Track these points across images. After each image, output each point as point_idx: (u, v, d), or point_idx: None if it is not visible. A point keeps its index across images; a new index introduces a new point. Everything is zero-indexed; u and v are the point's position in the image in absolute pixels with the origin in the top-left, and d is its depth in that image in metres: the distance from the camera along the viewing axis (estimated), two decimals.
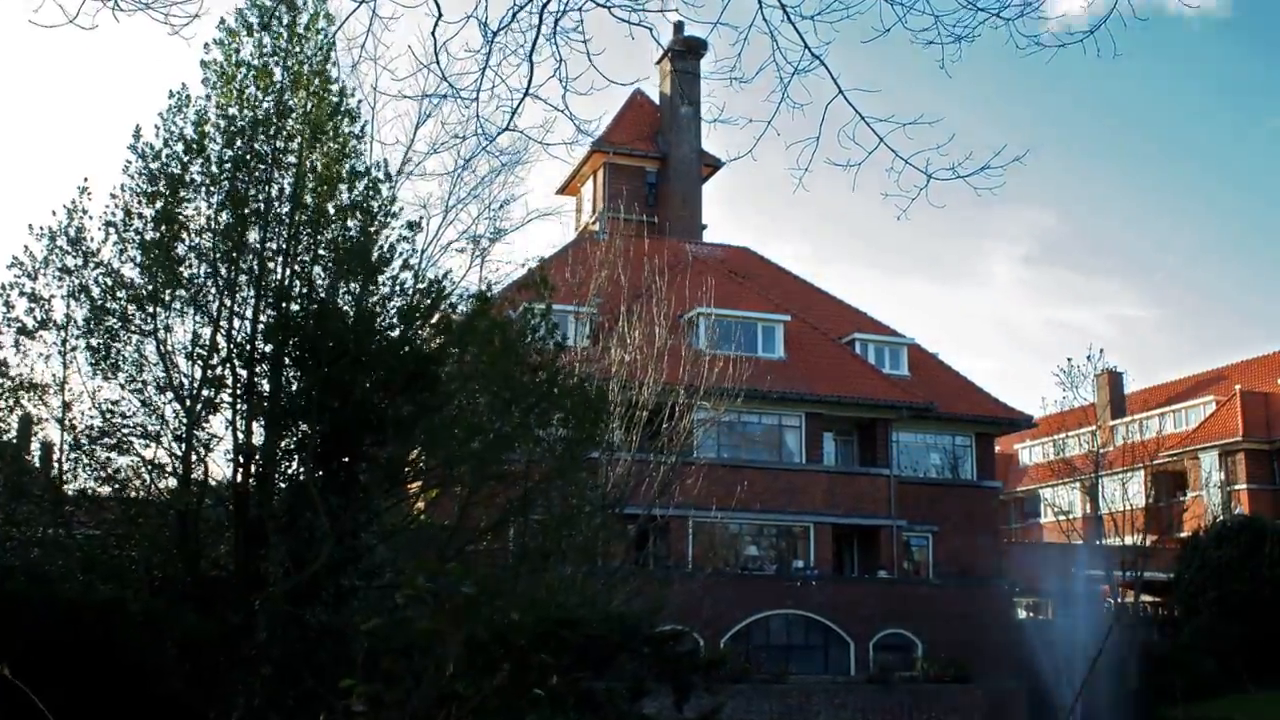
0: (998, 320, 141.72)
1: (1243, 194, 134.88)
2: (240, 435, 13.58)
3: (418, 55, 8.16)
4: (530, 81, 8.18)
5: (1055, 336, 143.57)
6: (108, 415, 13.66)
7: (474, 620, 11.08)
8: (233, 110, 14.07)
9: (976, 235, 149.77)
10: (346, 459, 13.62)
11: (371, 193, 14.36)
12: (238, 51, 14.11)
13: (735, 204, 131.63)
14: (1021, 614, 44.88)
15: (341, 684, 9.61)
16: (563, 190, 55.88)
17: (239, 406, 13.67)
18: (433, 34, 8.11)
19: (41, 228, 13.64)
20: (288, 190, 14.12)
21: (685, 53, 45.98)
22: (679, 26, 39.43)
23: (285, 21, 14.19)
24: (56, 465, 13.90)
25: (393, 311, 14.21)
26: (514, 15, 8.03)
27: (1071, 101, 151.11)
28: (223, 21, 14.01)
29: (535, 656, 11.67)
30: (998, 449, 52.01)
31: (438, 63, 8.29)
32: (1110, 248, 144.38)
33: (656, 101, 54.86)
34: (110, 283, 13.71)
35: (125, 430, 13.72)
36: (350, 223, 14.29)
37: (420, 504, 15.44)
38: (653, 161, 52.84)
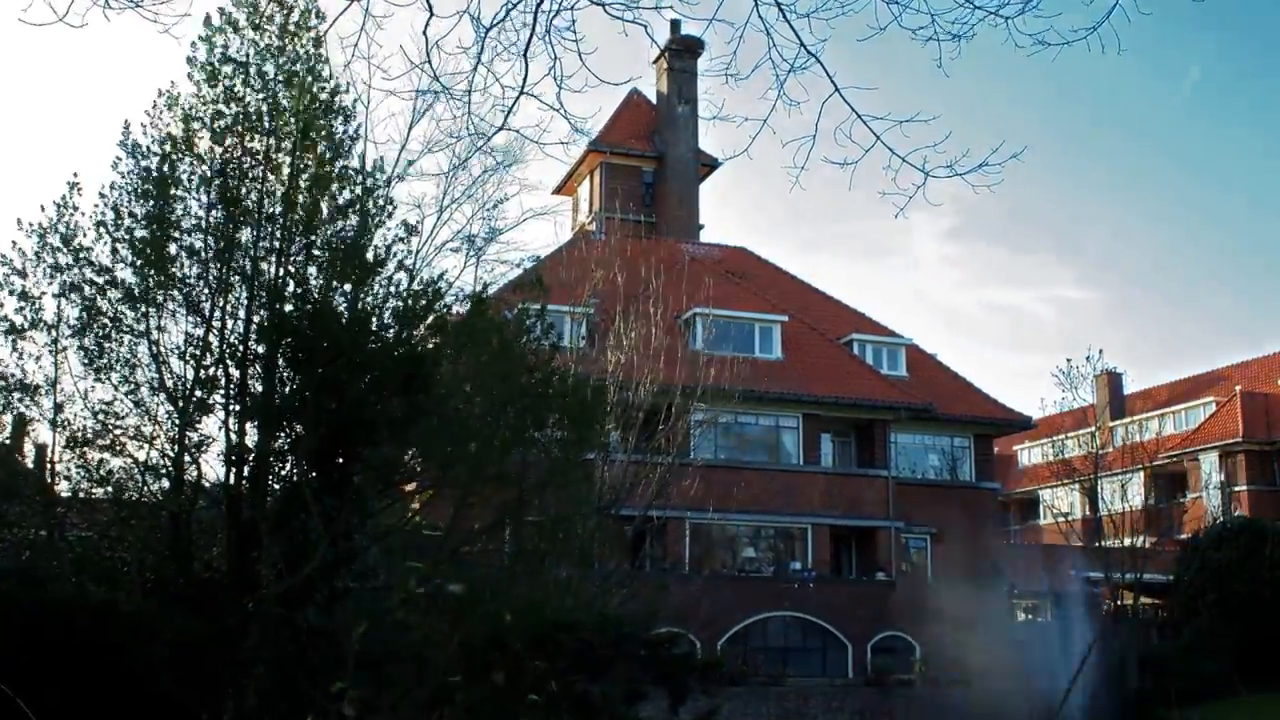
0: (929, 300, 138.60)
1: (1176, 165, 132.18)
2: (233, 436, 13.50)
3: (409, 54, 8.08)
4: (525, 79, 8.11)
5: (993, 319, 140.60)
6: (100, 416, 13.56)
7: (468, 623, 10.99)
8: (221, 108, 13.94)
9: (896, 205, 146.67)
10: (340, 460, 13.53)
11: (365, 192, 14.25)
12: (225, 49, 13.99)
13: (731, 203, 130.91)
14: (1021, 616, 44.73)
15: (333, 688, 9.55)
16: (559, 190, 55.60)
17: (232, 407, 13.57)
18: (424, 32, 8.05)
19: (31, 225, 13.53)
20: (281, 189, 14.01)
21: (682, 52, 45.76)
22: (676, 25, 39.21)
23: (276, 20, 14.07)
24: (49, 467, 13.80)
25: (387, 312, 14.12)
26: (507, 12, 7.96)
27: (982, 65, 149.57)
28: (208, 19, 13.88)
29: (530, 661, 11.59)
30: (996, 450, 51.90)
31: (429, 61, 8.23)
32: (1037, 221, 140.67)
33: (653, 101, 54.59)
34: (102, 282, 13.60)
35: (118, 431, 13.62)
36: (344, 223, 14.20)
37: (415, 505, 15.35)
38: (649, 161, 52.56)
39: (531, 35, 7.95)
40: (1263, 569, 41.19)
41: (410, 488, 15.17)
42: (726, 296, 40.17)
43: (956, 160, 7.67)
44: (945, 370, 47.65)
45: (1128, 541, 43.79)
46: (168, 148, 13.76)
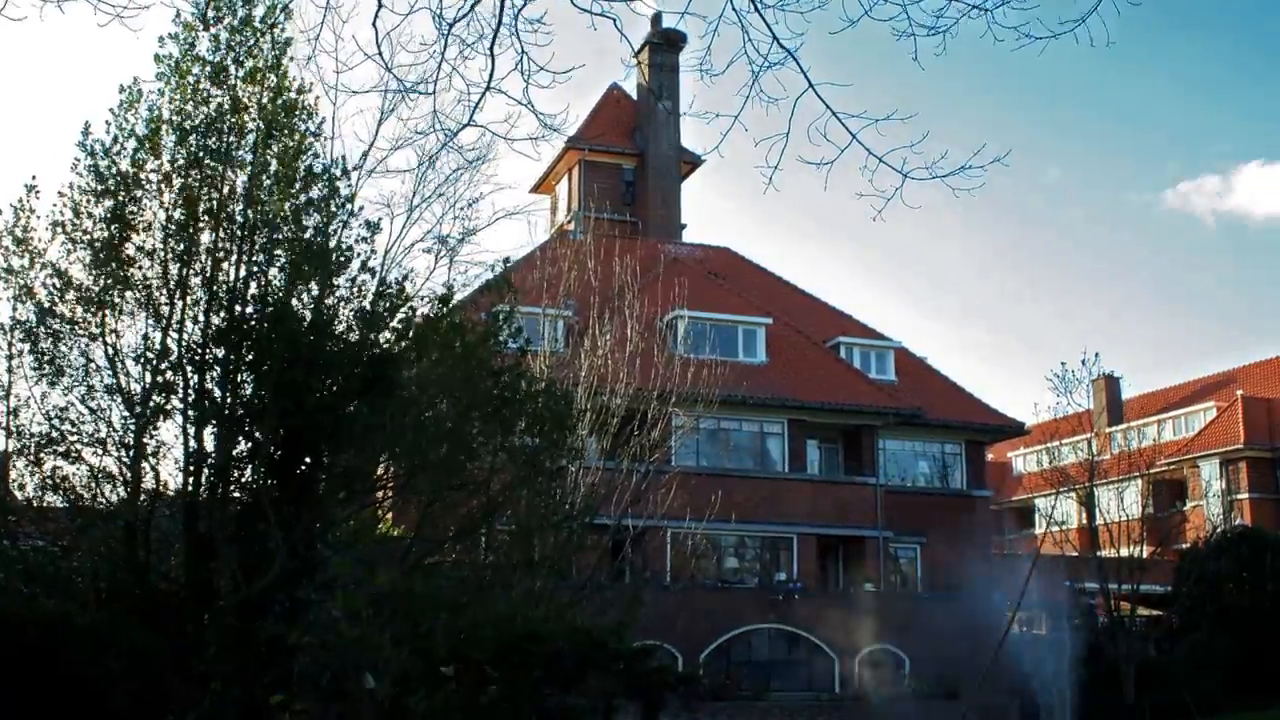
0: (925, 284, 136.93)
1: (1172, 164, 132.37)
2: (191, 442, 13.16)
3: (362, 47, 7.82)
4: (491, 75, 7.90)
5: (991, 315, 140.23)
6: (55, 422, 13.23)
7: (426, 634, 10.65)
8: (187, 107, 13.66)
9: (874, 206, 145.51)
10: (302, 467, 13.23)
11: (329, 191, 13.94)
12: (192, 46, 13.72)
13: (713, 201, 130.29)
14: (1014, 629, 44.25)
15: (272, 699, 9.21)
16: (537, 188, 54.58)
17: (190, 412, 13.24)
18: (374, 24, 7.79)
19: None
20: (242, 189, 13.70)
21: (664, 46, 45.13)
22: (657, 18, 38.81)
23: (240, 15, 13.77)
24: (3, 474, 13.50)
25: (351, 314, 13.80)
26: (472, 6, 7.73)
27: (970, 66, 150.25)
28: (178, 15, 13.59)
29: (491, 672, 11.26)
30: (990, 457, 51.37)
31: (380, 54, 8.00)
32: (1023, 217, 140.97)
33: (634, 96, 53.47)
34: (57, 284, 13.34)
35: (73, 438, 13.29)
36: (307, 222, 13.88)
37: (380, 513, 15.02)
38: (630, 158, 51.60)
39: (498, 30, 7.72)
40: (1264, 579, 40.70)
41: (375, 495, 14.82)
42: (709, 298, 39.75)
43: (935, 162, 7.48)
44: (936, 374, 47.13)
45: (1125, 551, 43.26)
46: (132, 144, 13.47)
